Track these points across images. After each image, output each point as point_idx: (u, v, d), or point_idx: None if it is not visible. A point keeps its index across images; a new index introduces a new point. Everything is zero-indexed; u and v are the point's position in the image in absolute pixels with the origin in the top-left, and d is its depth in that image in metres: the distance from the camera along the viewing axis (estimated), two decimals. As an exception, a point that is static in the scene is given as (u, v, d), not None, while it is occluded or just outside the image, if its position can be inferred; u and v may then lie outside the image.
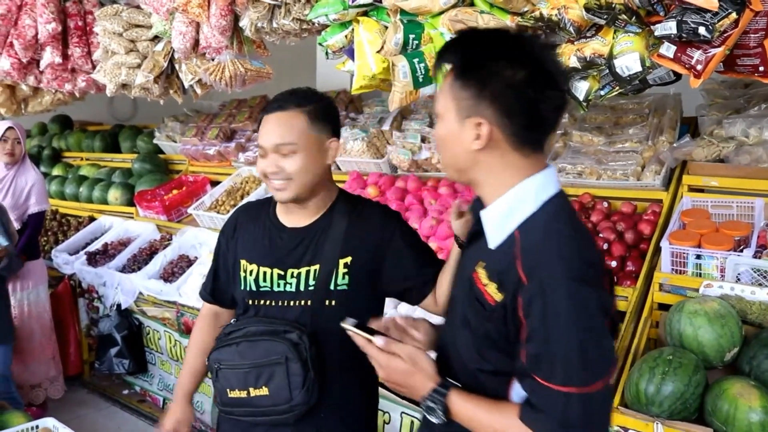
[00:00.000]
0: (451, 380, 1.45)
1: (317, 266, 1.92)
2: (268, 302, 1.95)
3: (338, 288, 1.91)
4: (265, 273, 1.96)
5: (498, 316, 1.37)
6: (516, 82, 1.33)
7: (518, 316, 1.33)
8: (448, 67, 1.41)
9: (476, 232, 1.50)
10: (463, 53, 1.40)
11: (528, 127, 1.37)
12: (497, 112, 1.35)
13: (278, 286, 1.94)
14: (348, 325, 1.51)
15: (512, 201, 1.39)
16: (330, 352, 1.88)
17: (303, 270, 1.92)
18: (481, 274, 1.41)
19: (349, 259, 1.93)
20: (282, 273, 1.94)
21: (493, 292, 1.37)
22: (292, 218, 1.99)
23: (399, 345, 1.48)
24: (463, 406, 1.41)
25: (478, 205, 1.52)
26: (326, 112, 1.94)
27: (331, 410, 1.92)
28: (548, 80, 1.35)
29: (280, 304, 1.94)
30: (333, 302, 1.91)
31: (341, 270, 1.92)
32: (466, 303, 1.46)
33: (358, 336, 1.50)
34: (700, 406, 2.26)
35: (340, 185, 4.20)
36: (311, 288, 1.91)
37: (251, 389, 1.86)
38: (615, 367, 1.36)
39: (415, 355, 1.47)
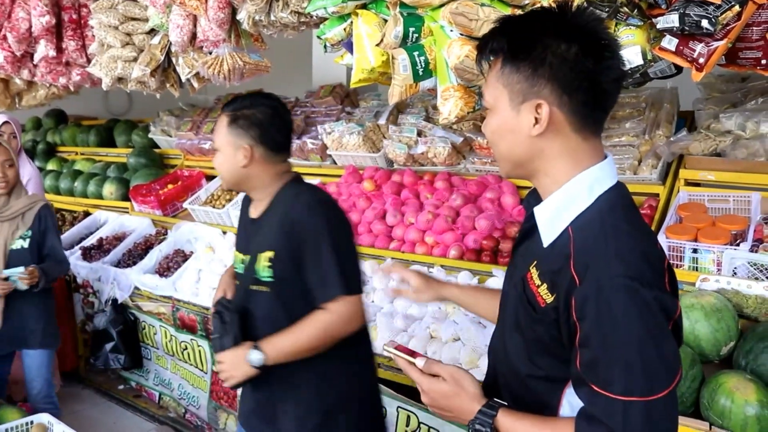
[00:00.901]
0: (498, 400, 1.37)
1: (249, 256, 2.20)
2: (238, 282, 2.30)
3: (263, 278, 2.14)
4: (236, 257, 2.31)
5: (549, 320, 1.30)
6: (572, 54, 1.28)
7: (572, 319, 1.25)
8: (491, 56, 1.37)
9: (528, 230, 1.45)
10: (510, 36, 1.34)
11: (588, 103, 1.31)
12: (556, 90, 1.30)
13: (238, 268, 2.29)
14: (390, 348, 1.50)
15: (566, 196, 1.33)
16: (262, 333, 2.11)
17: (247, 257, 2.22)
18: (534, 274, 1.35)
19: (272, 254, 2.12)
20: (241, 257, 2.26)
21: (544, 293, 1.31)
22: (252, 210, 2.28)
23: (440, 365, 1.42)
24: (512, 426, 1.33)
25: (531, 200, 1.46)
26: (248, 120, 2.17)
27: (277, 381, 2.15)
28: (605, 50, 1.30)
29: (237, 284, 2.29)
30: (263, 288, 2.15)
31: (264, 263, 2.13)
32: (518, 305, 1.39)
33: (400, 359, 1.47)
34: (696, 400, 2.27)
35: (335, 180, 4.26)
36: (245, 273, 2.21)
37: None
38: (679, 374, 1.25)
39: (457, 375, 1.40)
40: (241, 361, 2.08)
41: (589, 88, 1.30)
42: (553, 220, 1.34)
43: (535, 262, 1.36)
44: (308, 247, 2.09)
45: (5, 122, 4.27)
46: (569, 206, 1.33)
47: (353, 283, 2.12)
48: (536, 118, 1.31)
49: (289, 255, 2.11)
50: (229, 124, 2.19)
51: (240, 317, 2.14)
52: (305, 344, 2.08)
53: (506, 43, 1.33)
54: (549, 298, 1.30)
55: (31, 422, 2.83)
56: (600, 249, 1.25)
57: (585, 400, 1.26)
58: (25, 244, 3.31)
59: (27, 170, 4.39)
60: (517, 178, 1.50)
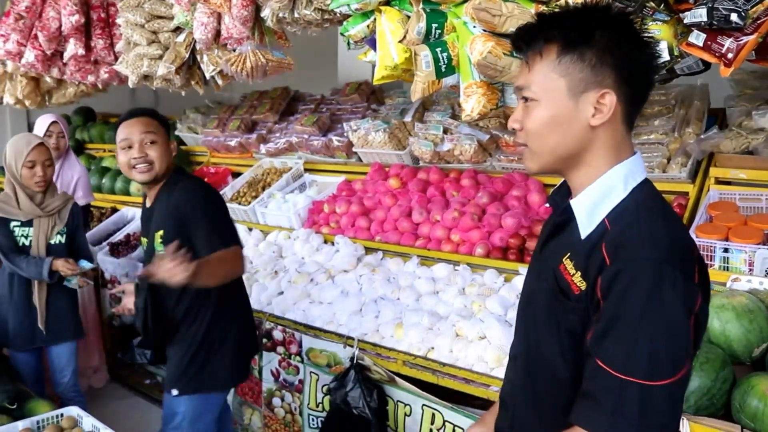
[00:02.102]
0: None
1: (147, 238, 2.75)
2: (145, 259, 2.83)
3: (159, 252, 2.61)
4: (141, 240, 2.90)
5: (581, 306, 1.31)
6: (628, 46, 1.31)
7: (596, 298, 1.27)
8: (545, 46, 1.34)
9: (560, 224, 1.44)
10: (570, 25, 1.33)
11: (638, 94, 1.36)
12: (618, 79, 1.31)
13: (143, 248, 2.85)
14: None
15: (603, 188, 1.35)
16: (167, 292, 2.61)
17: (145, 239, 2.78)
18: (568, 265, 1.35)
19: (162, 232, 2.66)
20: (144, 240, 2.82)
21: (578, 280, 1.32)
22: (147, 201, 2.79)
23: None
24: None
25: (557, 197, 1.48)
26: (167, 125, 2.78)
27: (176, 342, 2.77)
28: (649, 44, 1.35)
29: (146, 261, 2.80)
30: None
31: (158, 240, 2.66)
32: (551, 298, 1.39)
33: None
34: (727, 403, 2.23)
35: (361, 177, 4.26)
36: (147, 250, 2.77)
37: None
38: (685, 369, 1.23)
39: None
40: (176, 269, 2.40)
41: (641, 80, 1.34)
42: (591, 213, 1.35)
43: (569, 254, 1.36)
44: (189, 220, 2.58)
45: (53, 122, 4.34)
46: (606, 198, 1.34)
47: (231, 238, 2.63)
48: (596, 108, 1.32)
49: (175, 230, 2.59)
50: (160, 125, 2.74)
51: (149, 284, 2.57)
52: (214, 261, 2.50)
53: (568, 31, 1.32)
54: (582, 285, 1.30)
55: (61, 415, 2.87)
56: (633, 233, 1.27)
57: (587, 375, 1.27)
58: (63, 239, 3.47)
59: (76, 170, 4.50)
60: (549, 173, 1.46)
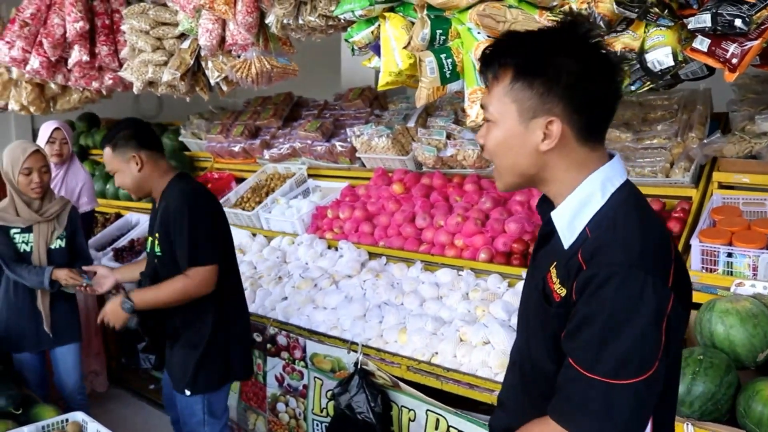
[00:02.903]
0: None
1: (151, 238, 3.00)
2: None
3: (156, 253, 2.92)
4: (147, 239, 3.09)
5: (562, 313, 1.35)
6: (586, 75, 1.33)
7: (571, 302, 1.32)
8: (499, 70, 1.38)
9: (547, 234, 1.48)
10: (524, 52, 1.37)
11: (596, 120, 1.38)
12: (567, 108, 1.34)
13: (148, 247, 3.07)
14: None
15: (581, 198, 1.38)
16: (160, 314, 2.94)
17: (150, 238, 3.03)
18: (553, 273, 1.40)
19: (157, 235, 2.90)
20: (149, 239, 3.04)
21: (558, 287, 1.37)
22: (157, 204, 3.00)
23: None
24: None
25: (545, 206, 1.50)
26: (122, 139, 2.88)
27: (181, 347, 2.97)
28: (614, 71, 1.37)
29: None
30: (158, 260, 2.93)
31: (156, 243, 2.92)
32: (539, 305, 1.44)
33: None
34: (732, 408, 2.23)
35: (365, 182, 4.27)
36: (150, 251, 3.02)
37: None
38: (654, 368, 1.27)
39: None
40: (117, 309, 2.92)
41: (596, 108, 1.36)
42: (570, 223, 1.39)
43: (555, 263, 1.40)
44: (173, 228, 2.81)
45: (56, 128, 4.35)
46: (584, 208, 1.38)
47: (204, 256, 2.80)
48: (545, 134, 1.35)
49: (165, 236, 2.85)
50: (112, 151, 2.90)
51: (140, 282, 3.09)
52: (163, 297, 2.87)
53: (520, 59, 1.36)
54: (562, 292, 1.35)
55: (66, 420, 2.88)
56: (607, 239, 1.31)
57: (561, 370, 1.34)
58: (63, 243, 3.50)
59: (81, 176, 4.53)
60: (517, 189, 1.52)
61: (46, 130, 4.37)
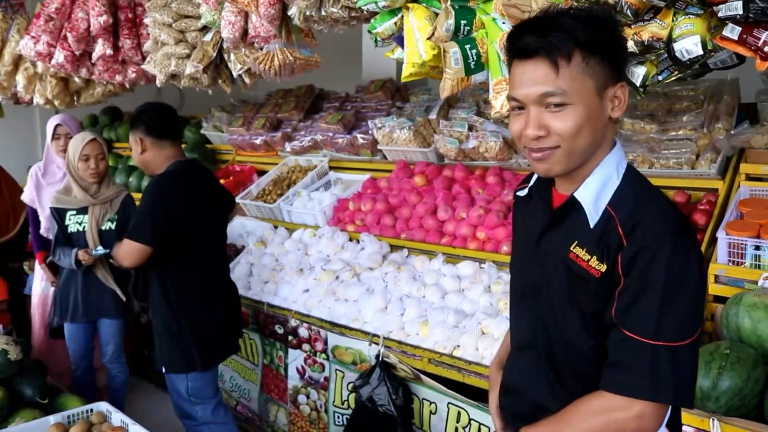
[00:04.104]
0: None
1: None
2: None
3: None
4: None
5: (604, 288, 1.41)
6: (625, 43, 1.50)
7: (617, 276, 1.38)
8: (574, 50, 1.39)
9: (559, 216, 1.53)
10: (590, 30, 1.40)
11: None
12: (623, 71, 1.46)
13: None
14: None
15: (603, 177, 1.46)
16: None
17: None
18: (579, 252, 1.45)
19: None
20: None
21: (595, 264, 1.42)
22: None
23: None
24: None
25: (541, 189, 1.59)
26: (136, 122, 3.20)
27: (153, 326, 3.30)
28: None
29: None
30: None
31: None
32: (569, 286, 1.48)
33: None
34: (760, 403, 2.20)
35: (386, 174, 4.25)
36: None
37: None
38: (701, 327, 1.41)
39: None
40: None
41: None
42: (596, 202, 1.45)
43: (576, 243, 1.46)
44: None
45: (58, 124, 4.30)
46: (605, 187, 1.46)
47: (137, 233, 3.04)
48: (618, 99, 1.44)
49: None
50: (130, 129, 3.23)
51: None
52: (115, 252, 3.22)
53: (589, 37, 1.40)
54: (602, 268, 1.41)
55: (91, 410, 2.91)
56: (643, 212, 1.40)
57: (613, 347, 1.40)
58: (113, 226, 3.82)
59: None
60: (566, 173, 1.51)
61: (49, 126, 4.33)
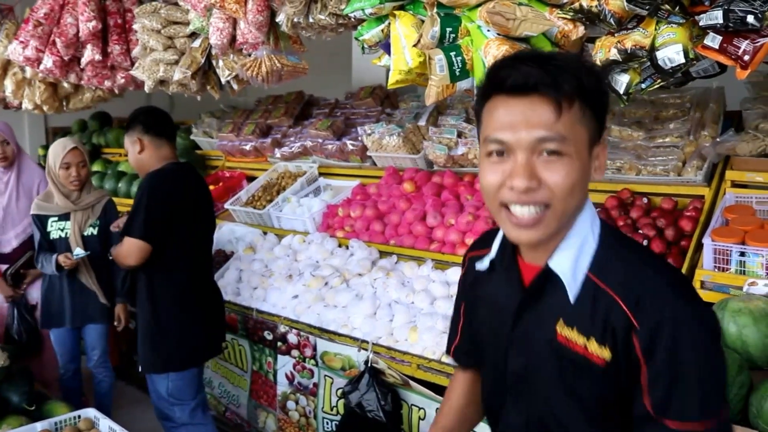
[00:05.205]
0: None
1: None
2: None
3: None
4: None
5: (612, 375, 1.22)
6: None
7: (634, 359, 1.19)
8: (575, 95, 1.20)
9: (533, 293, 1.32)
10: (591, 77, 1.23)
11: None
12: (600, 131, 1.26)
13: None
14: None
15: (579, 241, 1.26)
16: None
17: None
18: (569, 333, 1.25)
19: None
20: None
21: (596, 349, 1.22)
22: None
23: None
24: None
25: (506, 258, 1.37)
26: (132, 123, 3.26)
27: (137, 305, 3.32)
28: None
29: None
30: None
31: None
32: (558, 376, 1.29)
33: None
34: (744, 408, 2.21)
35: (375, 181, 4.26)
36: None
37: None
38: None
39: None
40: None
41: None
42: (574, 271, 1.25)
43: (562, 321, 1.26)
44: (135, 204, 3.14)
45: None
46: (582, 252, 1.26)
47: (137, 230, 3.06)
48: (596, 161, 1.26)
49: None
50: (125, 132, 3.30)
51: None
52: (114, 253, 3.23)
53: (584, 85, 1.21)
54: (605, 353, 1.21)
55: (79, 417, 2.89)
56: (640, 280, 1.21)
57: None
58: (95, 231, 3.85)
59: (37, 173, 4.31)
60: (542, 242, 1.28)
61: None
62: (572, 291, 1.25)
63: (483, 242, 1.51)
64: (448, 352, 1.70)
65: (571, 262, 1.25)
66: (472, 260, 1.50)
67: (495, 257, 1.41)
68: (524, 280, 1.34)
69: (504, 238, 1.39)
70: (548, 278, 1.28)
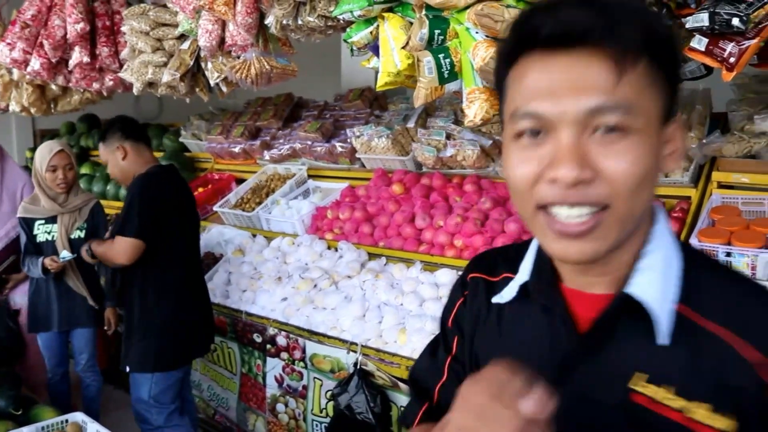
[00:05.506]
0: None
1: None
2: None
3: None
4: None
5: None
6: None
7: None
8: (642, 48, 0.83)
9: (601, 330, 0.91)
10: (653, 24, 0.85)
11: None
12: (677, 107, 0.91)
13: None
14: None
15: (663, 259, 0.91)
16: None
17: None
18: (656, 393, 0.87)
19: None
20: None
21: (706, 418, 0.84)
22: None
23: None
24: None
25: (542, 284, 0.99)
26: (110, 132, 3.32)
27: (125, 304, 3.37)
28: None
29: None
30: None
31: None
32: None
33: None
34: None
35: (364, 183, 4.27)
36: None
37: None
38: None
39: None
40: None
41: None
42: (662, 303, 0.88)
43: (647, 377, 0.88)
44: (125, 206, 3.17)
45: None
46: (667, 276, 0.90)
47: (130, 229, 3.10)
48: (670, 145, 0.89)
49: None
50: (102, 143, 3.34)
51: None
52: (99, 252, 3.31)
53: (655, 43, 0.84)
54: (723, 423, 0.84)
55: (66, 421, 2.88)
56: (760, 314, 0.87)
57: None
58: (82, 234, 3.83)
59: (21, 176, 4.31)
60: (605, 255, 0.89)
61: None
62: (663, 328, 0.88)
63: (494, 260, 1.13)
64: (414, 416, 1.18)
65: (658, 289, 0.89)
66: (477, 282, 1.13)
67: (529, 281, 1.01)
68: (574, 316, 0.95)
69: (540, 255, 1.02)
70: (623, 312, 0.90)
